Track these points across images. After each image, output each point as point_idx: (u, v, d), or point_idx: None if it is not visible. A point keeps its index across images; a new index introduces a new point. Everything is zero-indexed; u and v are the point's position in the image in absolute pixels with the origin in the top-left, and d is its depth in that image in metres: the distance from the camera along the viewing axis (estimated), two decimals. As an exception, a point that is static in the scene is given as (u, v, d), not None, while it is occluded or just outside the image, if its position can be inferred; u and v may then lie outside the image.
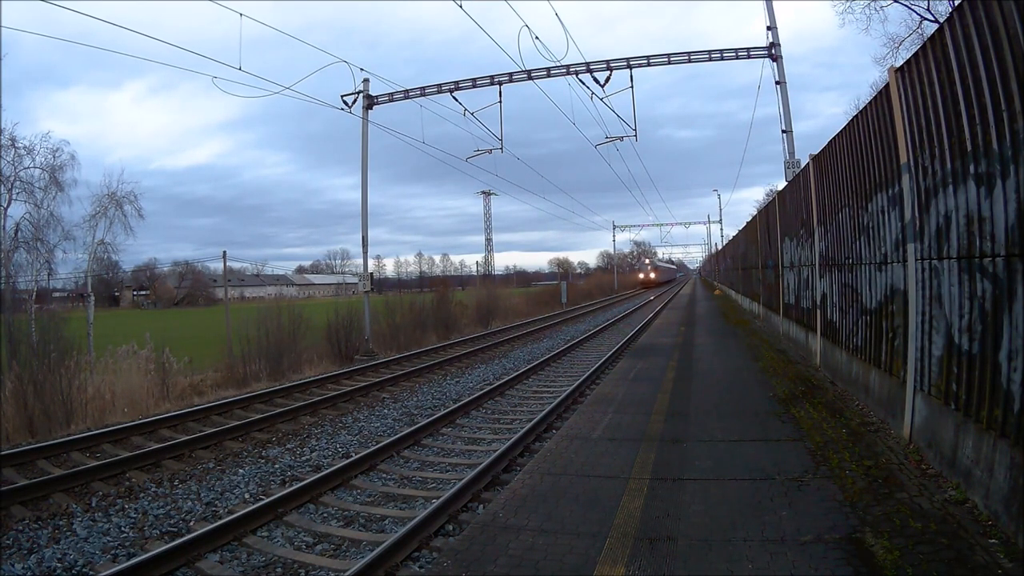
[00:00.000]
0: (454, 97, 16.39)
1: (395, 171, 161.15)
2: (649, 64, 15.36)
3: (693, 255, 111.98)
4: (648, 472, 4.59)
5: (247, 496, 5.74)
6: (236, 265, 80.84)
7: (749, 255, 19.24)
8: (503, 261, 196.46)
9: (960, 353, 3.72)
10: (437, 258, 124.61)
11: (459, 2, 11.39)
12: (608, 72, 15.12)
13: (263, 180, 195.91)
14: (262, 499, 5.48)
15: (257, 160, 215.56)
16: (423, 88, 17.16)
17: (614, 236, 68.63)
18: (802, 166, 9.86)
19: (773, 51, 14.74)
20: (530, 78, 16.14)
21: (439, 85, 16.91)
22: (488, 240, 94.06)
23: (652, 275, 66.91)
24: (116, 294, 72.17)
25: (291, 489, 5.50)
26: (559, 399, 8.65)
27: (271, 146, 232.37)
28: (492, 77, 16.30)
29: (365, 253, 18.23)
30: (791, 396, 6.82)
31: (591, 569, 3.14)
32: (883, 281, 5.38)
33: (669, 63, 15.38)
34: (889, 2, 20.86)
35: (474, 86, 16.59)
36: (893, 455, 4.59)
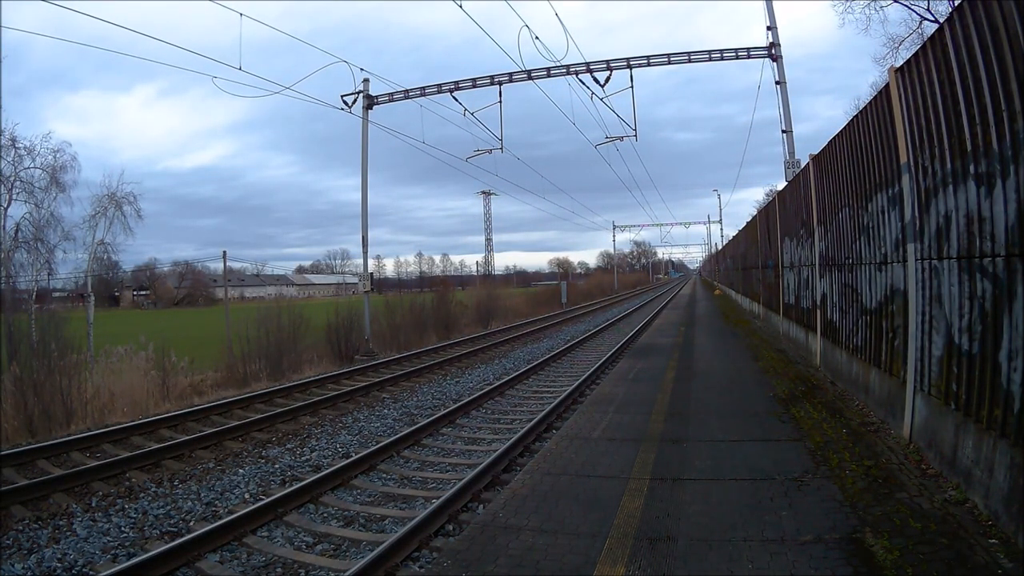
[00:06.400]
0: (454, 97, 16.39)
1: (397, 172, 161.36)
2: (649, 64, 15.36)
3: (693, 255, 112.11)
4: (648, 472, 4.59)
5: (247, 496, 5.74)
6: (236, 265, 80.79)
7: (749, 255, 19.24)
8: (503, 261, 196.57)
9: (960, 353, 3.71)
10: (437, 258, 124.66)
11: (459, 2, 11.40)
12: (608, 72, 15.12)
13: (267, 181, 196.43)
14: (262, 499, 5.47)
15: (262, 162, 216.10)
16: (423, 88, 17.16)
17: (614, 236, 68.64)
18: (802, 166, 9.86)
19: (773, 51, 14.73)
20: (530, 78, 16.14)
21: (439, 85, 16.91)
22: (488, 240, 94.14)
23: None
24: (116, 294, 72.09)
25: (291, 489, 5.50)
26: (559, 399, 8.64)
27: (276, 148, 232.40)
28: (492, 77, 16.31)
29: (365, 253, 18.25)
30: (791, 396, 6.82)
31: (591, 569, 3.14)
32: (883, 281, 5.37)
33: (669, 63, 15.38)
34: (889, 2, 20.87)
35: (474, 86, 16.59)
36: (893, 455, 4.58)
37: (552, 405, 8.28)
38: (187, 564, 4.30)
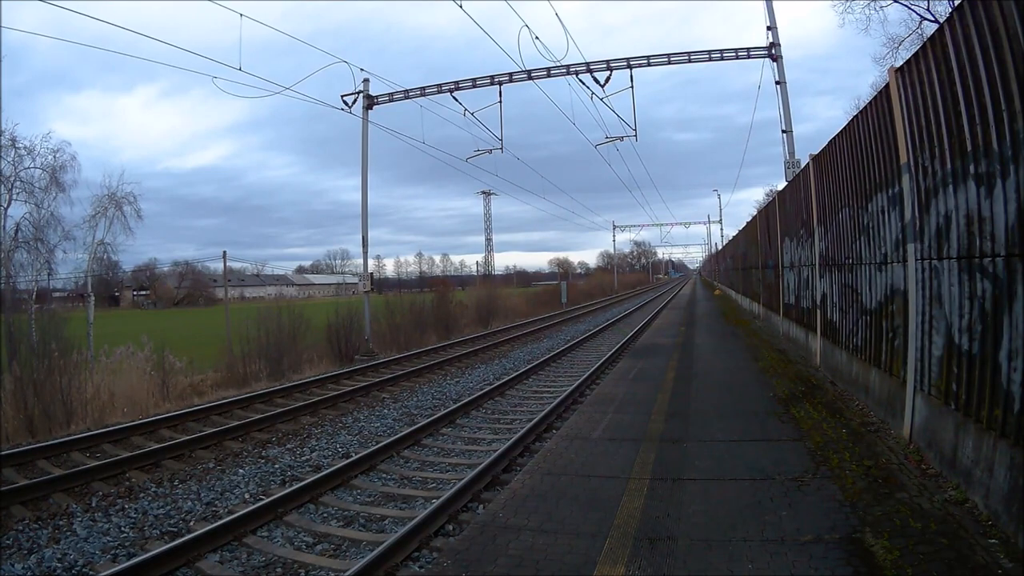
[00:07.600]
0: (454, 97, 16.38)
1: (397, 173, 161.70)
2: (649, 64, 15.34)
3: (693, 255, 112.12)
4: (648, 472, 4.59)
5: (247, 496, 5.74)
6: (236, 265, 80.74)
7: (749, 255, 19.24)
8: (503, 261, 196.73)
9: (960, 353, 3.72)
10: (437, 258, 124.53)
11: (459, 2, 11.40)
12: (608, 72, 15.11)
13: (268, 181, 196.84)
14: (262, 499, 5.47)
15: (262, 162, 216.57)
16: (423, 88, 17.15)
17: (614, 236, 68.65)
18: (802, 166, 9.86)
19: (773, 51, 14.72)
20: (530, 78, 16.14)
21: (439, 85, 16.90)
22: (488, 240, 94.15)
23: None
24: (116, 294, 72.15)
25: (291, 489, 5.50)
26: (559, 399, 8.64)
27: (276, 148, 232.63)
28: (492, 77, 16.30)
29: (365, 253, 18.23)
30: (791, 396, 6.82)
31: (591, 569, 3.14)
32: (883, 281, 5.38)
33: (669, 63, 15.36)
34: (889, 2, 20.88)
35: (474, 86, 16.59)
36: (893, 455, 4.58)
37: (552, 405, 8.28)
38: (187, 564, 4.30)
